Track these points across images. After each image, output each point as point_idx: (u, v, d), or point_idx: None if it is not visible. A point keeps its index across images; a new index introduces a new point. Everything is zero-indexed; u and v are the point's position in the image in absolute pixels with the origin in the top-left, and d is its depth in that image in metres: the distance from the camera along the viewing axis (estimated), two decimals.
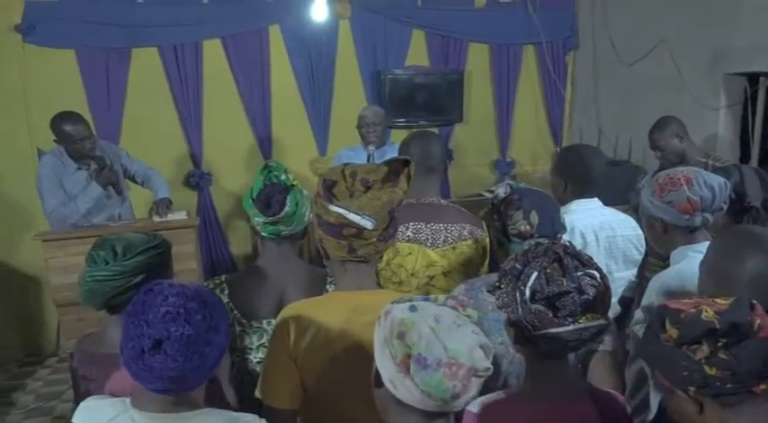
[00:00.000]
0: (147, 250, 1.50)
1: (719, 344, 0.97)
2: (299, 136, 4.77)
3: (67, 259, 3.02)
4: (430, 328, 0.99)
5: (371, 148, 3.63)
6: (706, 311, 0.98)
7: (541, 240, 1.50)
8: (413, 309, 1.03)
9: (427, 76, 4.90)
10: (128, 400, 1.14)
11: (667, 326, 1.02)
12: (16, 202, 4.09)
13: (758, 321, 0.97)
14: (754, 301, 1.01)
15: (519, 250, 1.51)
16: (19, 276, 4.17)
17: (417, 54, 4.96)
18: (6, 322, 4.15)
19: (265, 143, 4.67)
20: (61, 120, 3.24)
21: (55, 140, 3.30)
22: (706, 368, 0.97)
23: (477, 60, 5.15)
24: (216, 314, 1.13)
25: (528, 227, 1.55)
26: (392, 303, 1.09)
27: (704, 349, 0.97)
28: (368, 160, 3.43)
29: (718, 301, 1.02)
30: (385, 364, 1.03)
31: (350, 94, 4.80)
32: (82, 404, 1.20)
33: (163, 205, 3.40)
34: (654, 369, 1.06)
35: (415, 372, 0.97)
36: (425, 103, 4.89)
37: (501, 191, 1.65)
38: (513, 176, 5.33)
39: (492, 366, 1.00)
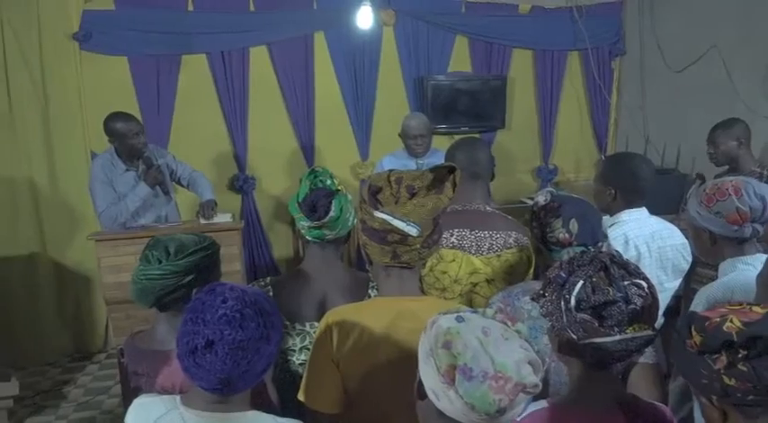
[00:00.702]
0: (197, 251, 1.54)
1: (739, 355, 0.95)
2: (341, 141, 4.82)
3: (118, 259, 3.12)
4: (477, 339, 0.97)
5: (421, 161, 3.61)
6: (730, 322, 0.97)
7: (581, 249, 1.50)
8: (460, 319, 1.02)
9: (470, 82, 4.90)
10: (178, 397, 1.18)
11: (693, 332, 1.01)
12: (72, 203, 4.24)
13: None
14: None
15: (558, 258, 1.52)
16: (72, 275, 4.32)
17: (460, 60, 4.97)
18: (60, 319, 4.30)
19: (308, 148, 4.74)
20: (114, 117, 3.36)
21: (109, 140, 3.41)
22: (725, 378, 0.95)
23: (521, 66, 5.12)
24: (270, 324, 1.15)
25: (567, 235, 1.53)
26: (439, 314, 1.08)
27: (723, 359, 0.96)
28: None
29: (756, 308, 0.99)
30: (428, 374, 1.00)
31: (392, 100, 4.84)
32: (135, 401, 1.24)
33: (208, 207, 3.47)
34: (682, 375, 1.05)
35: (460, 382, 0.94)
36: (468, 109, 4.88)
37: (541, 198, 1.64)
38: (555, 184, 5.27)
39: (540, 383, 0.97)
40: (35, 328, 4.20)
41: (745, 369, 0.94)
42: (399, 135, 3.81)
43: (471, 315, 1.05)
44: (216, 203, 3.55)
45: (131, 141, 3.34)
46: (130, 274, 3.11)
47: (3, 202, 4.09)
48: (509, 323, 1.04)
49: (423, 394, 1.03)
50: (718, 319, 0.98)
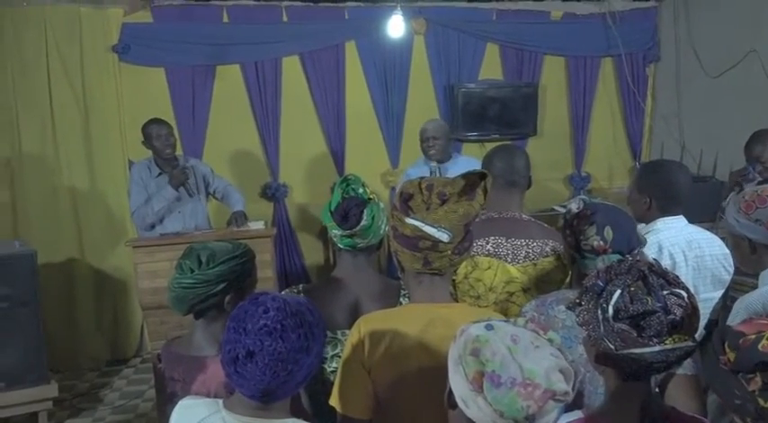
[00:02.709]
0: (229, 260, 1.56)
1: None
2: (371, 149, 4.84)
3: (154, 265, 3.18)
4: (506, 346, 0.96)
5: (433, 164, 3.60)
6: (767, 340, 0.92)
7: (615, 256, 1.47)
8: (489, 327, 1.01)
9: (500, 90, 4.88)
10: (221, 401, 1.19)
11: (726, 348, 0.97)
12: (110, 210, 4.36)
13: None
14: None
15: (592, 266, 1.50)
16: (109, 280, 4.42)
17: (491, 67, 4.96)
18: (97, 324, 4.39)
19: (339, 156, 4.77)
20: (149, 121, 3.56)
21: (142, 142, 3.55)
22: (760, 400, 0.91)
23: (553, 73, 5.08)
24: (311, 334, 1.15)
25: (602, 242, 1.51)
26: (470, 323, 1.07)
27: (757, 381, 0.92)
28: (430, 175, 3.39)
29: None
30: (458, 382, 1.00)
31: (423, 108, 4.84)
32: (180, 402, 1.26)
33: (240, 217, 3.55)
34: (713, 391, 1.01)
35: (488, 389, 0.94)
36: (498, 117, 4.86)
37: (574, 206, 1.61)
38: (588, 191, 5.20)
39: (571, 391, 0.95)
40: (73, 332, 4.30)
41: None
42: (419, 140, 3.82)
43: (502, 324, 1.04)
44: (246, 216, 3.60)
45: (157, 143, 3.49)
46: (166, 280, 3.17)
47: (45, 209, 4.21)
48: (540, 332, 1.03)
49: (453, 404, 1.03)
50: (753, 337, 0.94)
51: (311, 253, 4.91)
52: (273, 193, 4.70)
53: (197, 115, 4.46)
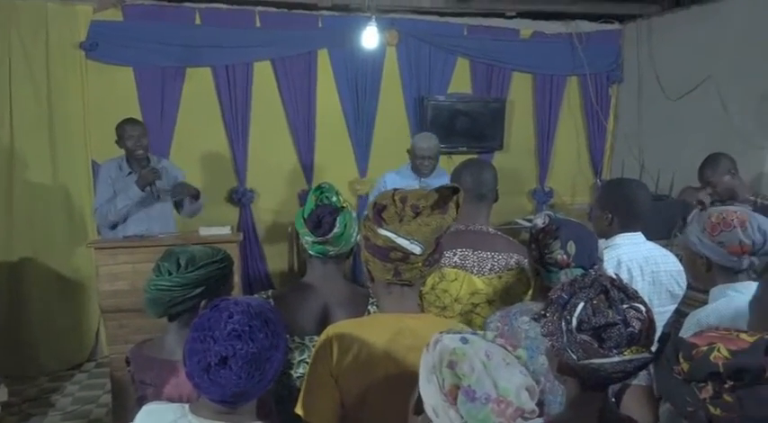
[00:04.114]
0: (208, 264, 1.56)
1: (725, 386, 0.96)
2: (340, 157, 4.87)
3: (116, 267, 3.13)
4: (481, 362, 0.99)
5: (424, 181, 3.64)
6: (718, 351, 0.98)
7: (578, 270, 1.53)
8: (464, 340, 1.04)
9: (469, 104, 4.97)
10: (187, 406, 1.19)
11: (680, 359, 1.02)
12: (71, 210, 4.25)
13: None
14: None
15: (555, 279, 1.55)
16: (67, 282, 4.30)
17: (461, 82, 5.04)
18: (50, 326, 4.27)
19: (307, 163, 4.78)
20: (123, 121, 3.53)
21: (116, 141, 3.51)
22: (710, 408, 0.96)
23: (520, 89, 5.20)
24: (277, 331, 1.18)
25: (565, 256, 1.57)
26: (440, 333, 1.10)
27: (709, 389, 0.97)
28: None
29: (743, 336, 1.01)
30: (430, 392, 1.02)
31: (392, 119, 4.90)
32: (144, 407, 1.26)
33: (180, 187, 3.51)
34: (666, 400, 1.07)
35: (462, 403, 0.97)
36: (467, 130, 4.95)
37: (539, 221, 1.68)
38: (551, 206, 5.32)
39: (537, 409, 0.99)
40: (24, 334, 4.17)
41: (730, 400, 0.95)
42: (408, 151, 3.84)
43: (474, 337, 1.07)
44: (187, 188, 3.51)
45: (129, 143, 3.46)
46: (127, 283, 3.13)
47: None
48: (509, 348, 1.06)
49: (420, 410, 1.05)
50: (705, 348, 0.99)
51: (275, 259, 4.89)
52: (240, 198, 4.68)
53: (165, 117, 4.41)
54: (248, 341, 1.11)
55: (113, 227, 3.50)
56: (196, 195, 3.55)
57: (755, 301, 1.42)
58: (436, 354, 1.04)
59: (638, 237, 2.21)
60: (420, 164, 3.69)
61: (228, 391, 1.10)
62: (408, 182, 3.71)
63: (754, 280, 1.73)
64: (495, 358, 1.01)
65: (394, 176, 3.86)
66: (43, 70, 4.07)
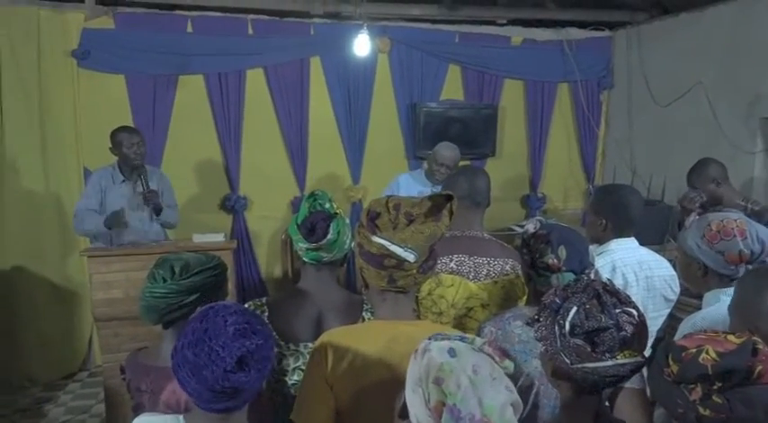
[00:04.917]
0: (202, 271, 1.57)
1: (714, 387, 0.98)
2: (333, 164, 4.88)
3: (110, 275, 3.13)
4: (468, 378, 1.00)
5: (435, 189, 3.68)
6: (706, 353, 0.99)
7: (569, 274, 1.54)
8: (452, 353, 1.05)
9: (461, 110, 4.99)
10: (181, 417, 1.19)
11: (670, 361, 1.04)
12: (64, 218, 4.22)
13: (759, 367, 0.98)
14: (761, 346, 1.02)
15: (546, 284, 1.57)
16: (59, 291, 4.28)
17: (453, 88, 5.07)
18: (42, 335, 4.24)
19: (300, 170, 4.79)
20: (120, 128, 3.53)
21: (111, 150, 3.50)
22: (700, 409, 0.98)
23: (512, 96, 5.23)
24: (264, 322, 1.21)
25: (556, 261, 1.59)
26: (429, 340, 1.11)
27: (698, 391, 0.99)
28: None
29: (731, 338, 1.03)
30: (415, 402, 1.04)
31: (385, 126, 4.92)
32: (138, 419, 1.26)
33: (153, 195, 3.46)
34: (658, 401, 1.08)
35: (446, 420, 0.99)
36: (459, 137, 4.93)
37: (531, 226, 1.70)
38: (543, 212, 5.34)
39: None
40: (16, 343, 4.14)
41: (719, 401, 0.97)
42: (427, 158, 3.92)
43: (462, 346, 1.07)
44: (156, 195, 3.48)
45: (127, 150, 3.45)
46: (121, 292, 3.12)
47: None
48: (497, 358, 1.07)
49: (405, 414, 1.07)
50: (694, 350, 1.01)
51: (269, 267, 4.89)
52: (233, 205, 4.67)
53: (157, 125, 4.40)
54: (253, 336, 1.12)
55: (86, 234, 3.52)
56: (158, 211, 3.54)
57: (734, 305, 1.45)
58: (423, 366, 1.05)
59: (632, 242, 2.23)
60: (437, 171, 3.75)
61: (248, 395, 1.12)
62: (420, 187, 3.80)
63: None
64: (481, 373, 1.02)
65: (408, 178, 3.96)
66: (35, 78, 4.06)
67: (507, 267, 2.05)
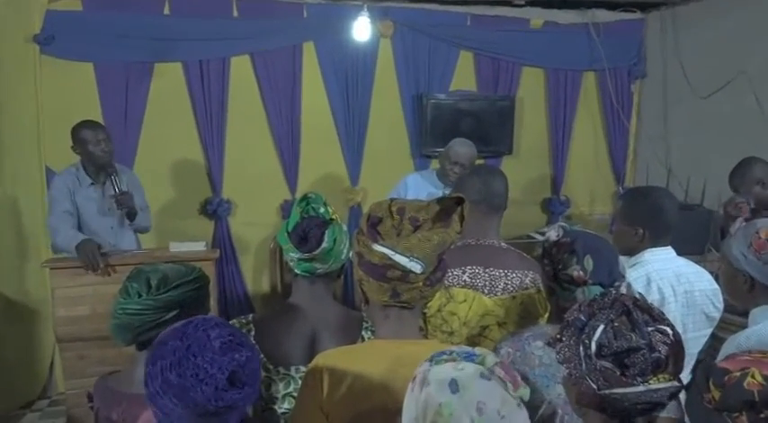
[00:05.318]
0: (182, 284, 1.58)
1: (762, 415, 0.98)
2: (329, 164, 4.90)
3: (75, 290, 3.13)
4: (470, 418, 1.00)
5: (447, 192, 3.68)
6: (752, 377, 0.99)
7: (596, 288, 1.54)
8: (453, 387, 1.04)
9: (474, 102, 5.01)
10: None
11: (711, 386, 1.04)
12: (21, 225, 4.22)
13: None
14: None
15: (571, 298, 1.57)
16: (17, 308, 4.23)
17: (464, 78, 5.08)
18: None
19: (291, 170, 4.80)
20: (82, 123, 3.50)
21: (74, 148, 3.49)
22: None
23: (531, 86, 5.24)
24: (243, 333, 1.23)
25: (581, 272, 1.59)
26: (430, 362, 1.11)
27: (743, 420, 0.99)
28: None
29: None
30: None
31: (387, 120, 4.94)
32: None
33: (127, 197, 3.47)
34: None
35: None
36: (471, 132, 4.94)
37: (552, 233, 1.70)
38: (567, 217, 5.35)
39: None
40: None
41: None
42: (439, 156, 3.92)
43: (467, 376, 1.06)
44: (130, 198, 3.49)
45: (94, 149, 3.44)
46: (87, 308, 3.12)
47: None
48: (510, 385, 1.07)
49: None
50: (738, 374, 1.01)
51: (256, 280, 4.90)
52: (215, 209, 4.68)
53: (130, 119, 4.42)
54: (240, 348, 1.13)
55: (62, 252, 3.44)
56: (132, 216, 3.55)
57: None
58: (421, 403, 1.05)
59: (669, 252, 2.23)
60: (450, 170, 3.75)
61: (242, 409, 1.14)
62: (431, 188, 3.81)
63: None
64: (487, 411, 1.01)
65: (417, 179, 3.97)
66: None
67: (527, 280, 2.05)
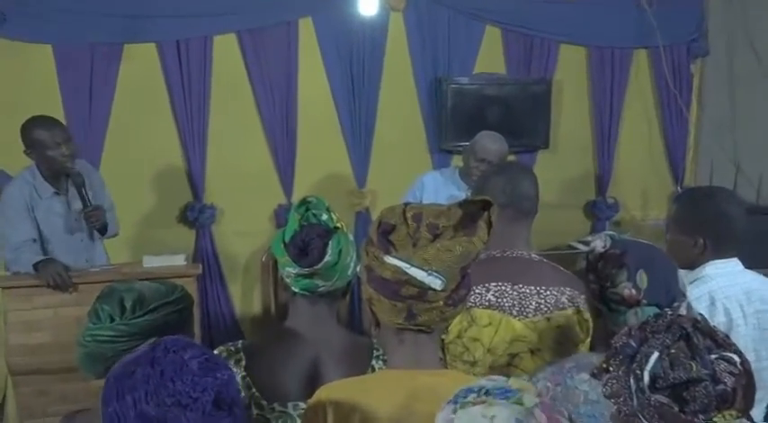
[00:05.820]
0: (162, 306, 1.59)
1: None
2: (331, 161, 4.92)
3: (32, 313, 3.15)
4: None
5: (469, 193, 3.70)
6: None
7: (651, 309, 1.55)
8: None
9: (503, 87, 5.02)
10: None
11: None
12: None
13: None
14: None
15: (621, 321, 1.57)
16: None
17: (491, 58, 5.10)
18: None
19: (286, 170, 4.82)
20: (34, 122, 3.43)
21: (26, 152, 3.45)
22: None
23: (571, 68, 5.26)
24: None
25: (634, 291, 1.59)
26: (455, 404, 1.10)
27: None
28: None
29: None
30: None
31: (400, 108, 4.95)
32: None
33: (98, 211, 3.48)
34: None
35: None
36: (499, 123, 4.94)
37: (599, 244, 1.70)
38: (615, 223, 5.34)
39: None
40: None
41: None
42: (463, 152, 3.94)
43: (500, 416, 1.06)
44: (103, 212, 3.51)
45: (53, 153, 3.39)
46: (47, 335, 3.14)
47: None
48: None
49: None
50: None
51: (245, 299, 4.92)
52: (197, 217, 4.71)
53: (95, 109, 4.45)
54: (219, 367, 1.15)
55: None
56: (103, 230, 3.58)
57: None
58: None
59: (735, 264, 2.22)
60: (476, 168, 3.76)
61: None
62: (453, 190, 3.83)
63: None
64: None
65: (436, 178, 4.00)
66: None
67: (564, 299, 2.05)
